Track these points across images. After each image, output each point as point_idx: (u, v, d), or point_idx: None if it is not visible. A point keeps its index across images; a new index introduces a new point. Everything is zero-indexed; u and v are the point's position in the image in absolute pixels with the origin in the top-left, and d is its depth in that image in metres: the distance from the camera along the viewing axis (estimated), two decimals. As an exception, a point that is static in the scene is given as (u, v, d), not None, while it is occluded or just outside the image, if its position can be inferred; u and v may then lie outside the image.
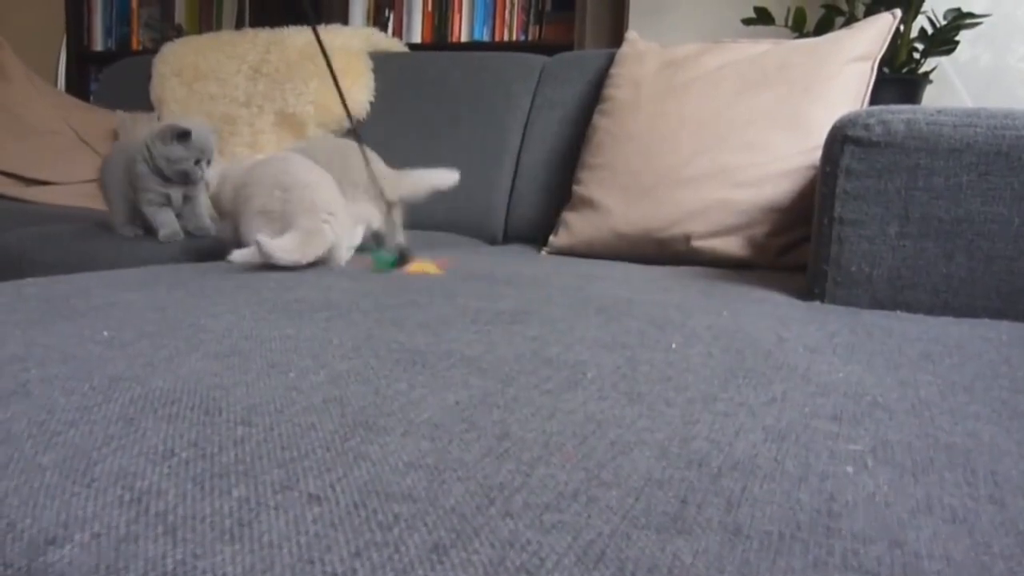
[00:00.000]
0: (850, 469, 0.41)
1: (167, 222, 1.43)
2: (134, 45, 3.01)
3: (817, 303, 0.96)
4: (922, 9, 1.80)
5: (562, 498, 0.37)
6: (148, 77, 2.25)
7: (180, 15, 2.99)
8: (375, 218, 1.17)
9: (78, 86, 2.99)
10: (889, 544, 0.34)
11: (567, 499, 0.37)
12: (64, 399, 0.47)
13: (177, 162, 1.38)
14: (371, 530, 0.33)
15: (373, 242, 1.17)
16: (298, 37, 2.11)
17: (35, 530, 0.34)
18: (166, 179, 1.41)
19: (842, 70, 1.39)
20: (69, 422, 0.43)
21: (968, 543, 0.34)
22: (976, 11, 1.77)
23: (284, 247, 0.98)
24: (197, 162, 1.39)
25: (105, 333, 0.63)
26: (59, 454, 0.39)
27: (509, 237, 1.81)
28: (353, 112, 1.98)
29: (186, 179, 1.42)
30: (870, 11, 1.74)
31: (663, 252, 1.38)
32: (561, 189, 1.66)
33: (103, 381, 0.50)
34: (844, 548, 0.33)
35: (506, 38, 2.52)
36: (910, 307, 0.92)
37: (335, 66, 1.99)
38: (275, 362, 0.57)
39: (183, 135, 1.36)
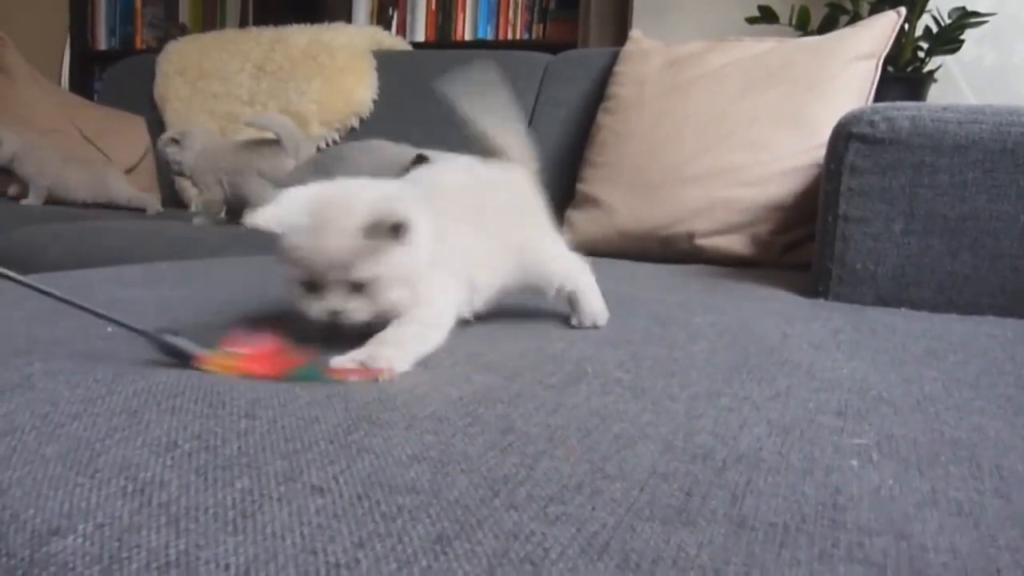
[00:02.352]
0: (855, 463, 0.41)
1: None
2: (138, 44, 3.00)
3: (821, 300, 0.96)
4: (927, 8, 1.80)
5: (566, 490, 0.36)
6: (152, 76, 2.25)
7: (183, 14, 2.99)
8: None
9: (82, 85, 2.99)
10: (895, 537, 0.33)
11: (571, 491, 0.36)
12: (68, 392, 0.47)
13: None
14: (374, 521, 0.33)
15: None
16: (301, 35, 2.11)
17: (39, 520, 0.34)
18: None
19: (846, 68, 1.39)
20: (73, 414, 0.43)
21: (974, 536, 0.34)
22: (981, 10, 1.77)
23: None
24: None
25: (108, 329, 0.63)
26: (63, 445, 0.39)
27: (512, 236, 1.81)
28: (356, 111, 1.98)
29: None
30: (875, 9, 1.73)
31: (667, 250, 1.37)
32: (565, 187, 1.66)
33: (107, 375, 0.50)
34: (850, 540, 0.33)
35: (510, 36, 2.51)
36: (915, 304, 0.92)
37: (336, 65, 2.01)
38: (278, 357, 0.57)
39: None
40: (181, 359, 0.52)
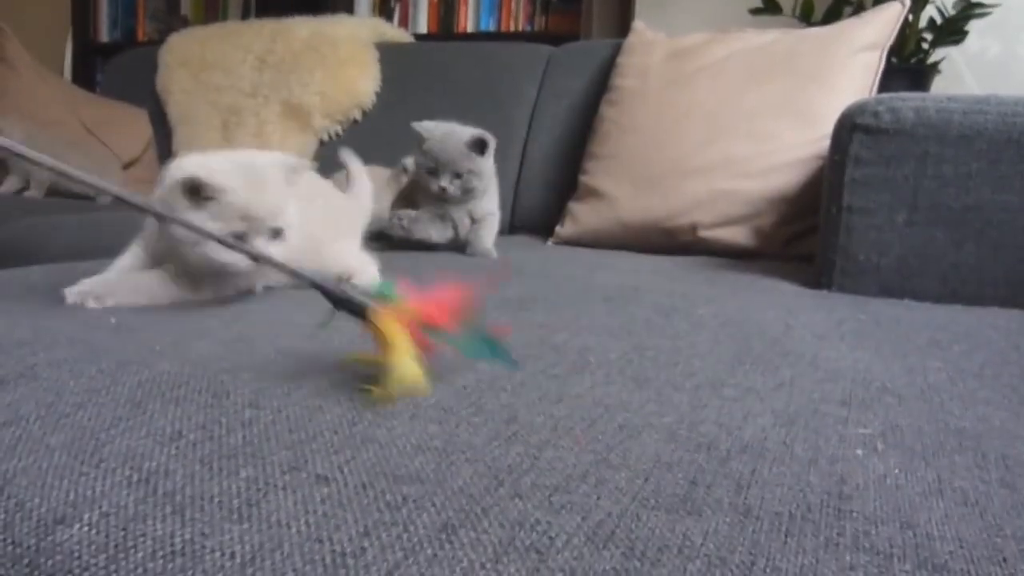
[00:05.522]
0: (860, 452, 0.41)
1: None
2: (140, 36, 3.00)
3: (825, 291, 0.95)
4: (931, -2, 1.79)
5: (571, 480, 0.36)
6: (154, 68, 2.24)
7: (186, 6, 2.99)
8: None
9: (84, 77, 2.98)
10: (901, 525, 0.33)
11: (576, 481, 0.36)
12: (72, 382, 0.47)
13: None
14: (379, 510, 0.33)
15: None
16: (303, 27, 2.10)
17: (44, 509, 0.34)
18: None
19: (850, 60, 1.38)
20: (77, 404, 0.43)
21: (980, 525, 0.34)
22: (985, 1, 1.76)
23: None
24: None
25: (112, 320, 0.63)
26: (67, 435, 0.39)
27: (515, 227, 1.80)
28: (359, 103, 1.98)
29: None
30: (878, 0, 1.72)
31: (670, 242, 1.37)
32: (567, 179, 1.65)
33: (110, 365, 0.50)
34: (855, 529, 0.33)
35: (512, 28, 2.51)
36: (918, 295, 0.91)
37: (338, 57, 2.00)
38: (282, 348, 0.57)
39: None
40: (354, 312, 0.49)
